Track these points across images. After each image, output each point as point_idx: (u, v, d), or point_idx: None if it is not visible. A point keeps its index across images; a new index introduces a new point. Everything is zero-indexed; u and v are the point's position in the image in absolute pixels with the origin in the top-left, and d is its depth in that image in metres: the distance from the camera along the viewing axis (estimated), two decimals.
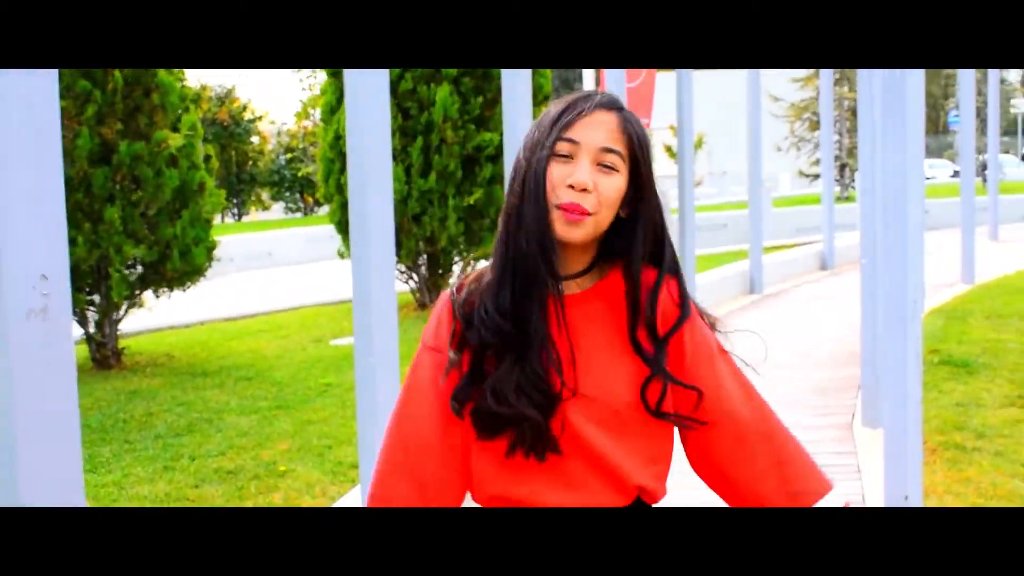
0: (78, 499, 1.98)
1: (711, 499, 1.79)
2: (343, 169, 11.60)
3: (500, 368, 1.69)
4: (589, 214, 1.68)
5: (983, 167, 24.24)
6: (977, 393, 7.42)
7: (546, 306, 1.70)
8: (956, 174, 37.28)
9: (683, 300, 1.79)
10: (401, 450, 1.79)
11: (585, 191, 1.68)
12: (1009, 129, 46.15)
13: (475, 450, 1.76)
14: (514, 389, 1.67)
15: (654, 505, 1.79)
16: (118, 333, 10.04)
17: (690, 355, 1.78)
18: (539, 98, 11.54)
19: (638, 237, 1.74)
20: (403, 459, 1.78)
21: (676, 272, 1.80)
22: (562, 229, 1.69)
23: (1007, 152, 45.10)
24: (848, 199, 30.67)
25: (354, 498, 5.33)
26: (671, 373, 1.75)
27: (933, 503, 5.14)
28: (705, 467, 1.83)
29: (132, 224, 9.47)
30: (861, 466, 5.94)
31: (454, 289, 1.80)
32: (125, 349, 10.19)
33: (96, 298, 9.73)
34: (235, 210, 37.25)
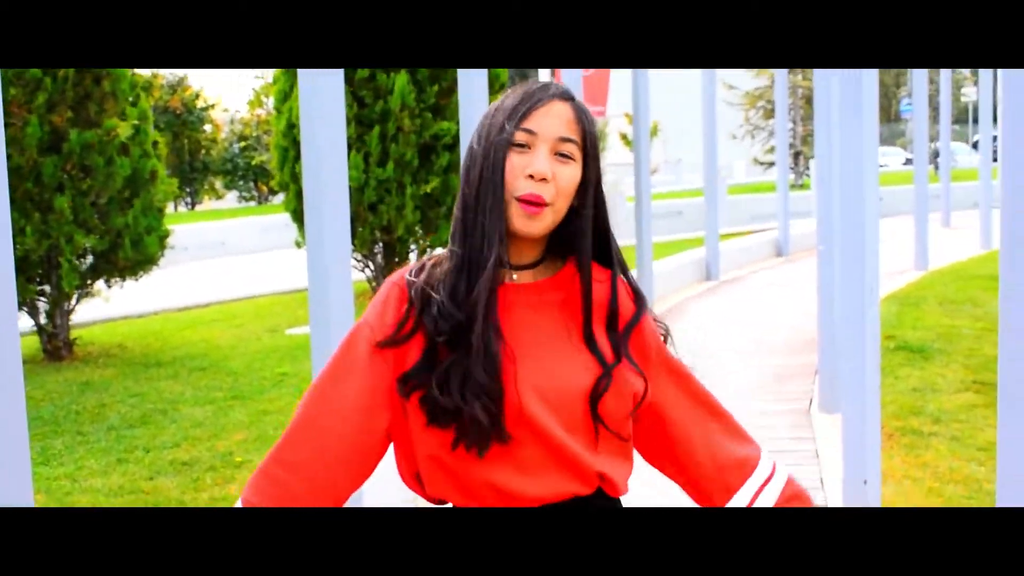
0: (26, 495, 1.94)
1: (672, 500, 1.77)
2: (297, 157, 11.51)
3: (450, 359, 1.66)
4: (547, 204, 1.67)
5: (935, 155, 24.45)
6: (932, 378, 7.50)
7: (497, 298, 1.68)
8: (908, 162, 37.67)
9: (637, 294, 1.82)
10: (315, 422, 1.72)
11: (544, 180, 1.67)
12: (960, 117, 46.57)
13: (418, 428, 1.71)
14: (461, 383, 1.64)
15: (616, 499, 1.76)
16: (69, 324, 9.90)
17: (653, 345, 1.82)
18: (496, 87, 11.50)
19: (587, 229, 1.74)
20: (318, 424, 1.72)
21: (624, 266, 1.82)
22: (521, 223, 1.67)
23: (971, 142, 45.54)
24: (802, 187, 30.88)
25: None
26: (636, 362, 1.76)
27: (891, 488, 5.17)
28: (661, 447, 1.87)
29: (83, 213, 9.34)
30: (819, 451, 5.97)
31: (412, 271, 1.75)
32: (77, 340, 10.06)
33: (47, 288, 9.59)
34: (188, 199, 36.95)
